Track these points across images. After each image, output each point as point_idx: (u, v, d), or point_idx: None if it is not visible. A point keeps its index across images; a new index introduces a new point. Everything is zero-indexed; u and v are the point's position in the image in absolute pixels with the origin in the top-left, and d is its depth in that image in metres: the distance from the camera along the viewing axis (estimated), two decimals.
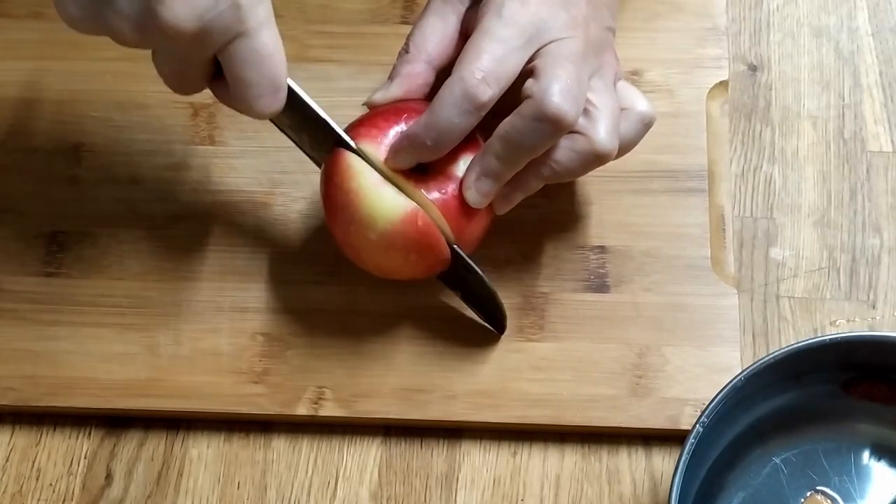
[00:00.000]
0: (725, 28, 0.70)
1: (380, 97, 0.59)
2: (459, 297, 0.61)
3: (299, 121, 0.59)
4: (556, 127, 0.55)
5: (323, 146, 0.59)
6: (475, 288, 0.60)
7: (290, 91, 0.57)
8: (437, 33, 0.59)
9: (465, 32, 0.59)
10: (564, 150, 0.56)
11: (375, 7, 0.71)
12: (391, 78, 0.59)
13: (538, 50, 0.56)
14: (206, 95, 0.68)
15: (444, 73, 0.58)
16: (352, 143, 0.57)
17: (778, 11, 0.72)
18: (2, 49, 0.70)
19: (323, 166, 0.59)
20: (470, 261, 0.58)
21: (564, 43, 0.56)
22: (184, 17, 0.50)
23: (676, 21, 0.70)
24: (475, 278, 0.59)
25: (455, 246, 0.58)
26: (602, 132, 0.56)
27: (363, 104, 0.60)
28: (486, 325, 0.61)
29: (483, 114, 0.55)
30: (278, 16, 0.70)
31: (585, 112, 0.56)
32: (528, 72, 0.56)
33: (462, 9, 0.59)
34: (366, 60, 0.69)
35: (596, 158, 0.57)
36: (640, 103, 0.59)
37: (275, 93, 0.55)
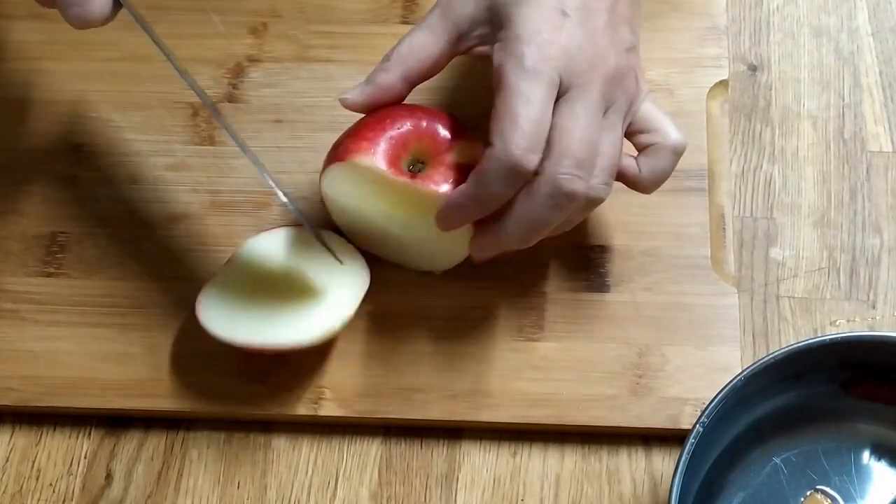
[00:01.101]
0: (725, 28, 0.70)
1: (350, 99, 0.58)
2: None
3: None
4: (571, 203, 0.55)
5: None
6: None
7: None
8: (423, 49, 0.58)
9: (454, 53, 0.58)
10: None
11: (375, 7, 0.71)
12: (367, 81, 0.59)
13: (558, 96, 0.55)
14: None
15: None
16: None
17: (778, 11, 0.72)
18: (2, 49, 0.70)
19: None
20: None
21: (581, 94, 0.55)
22: None
23: (676, 20, 0.70)
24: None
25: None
26: (596, 183, 0.55)
27: (337, 97, 0.59)
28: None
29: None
30: (278, 16, 0.71)
31: None
32: None
33: (455, 31, 0.58)
34: (366, 60, 0.68)
35: (590, 206, 0.57)
36: (671, 133, 0.58)
37: (82, 4, 0.53)
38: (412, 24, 0.70)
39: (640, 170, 0.59)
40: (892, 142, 0.67)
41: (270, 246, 0.61)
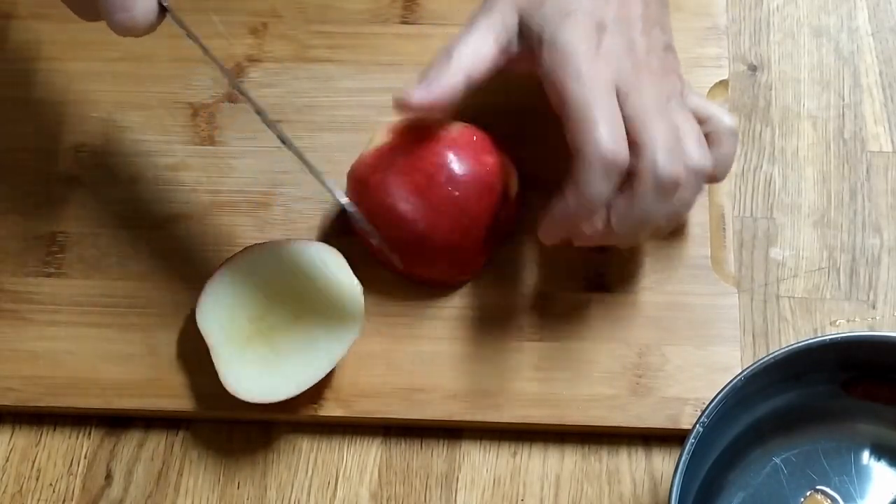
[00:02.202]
0: (725, 28, 0.70)
1: (417, 98, 0.57)
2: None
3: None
4: (675, 189, 0.55)
5: None
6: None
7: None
8: (480, 55, 0.57)
9: (505, 58, 0.58)
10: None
11: (375, 7, 0.71)
12: (427, 79, 0.57)
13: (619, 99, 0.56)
14: (207, 95, 0.69)
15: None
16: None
17: (778, 11, 0.72)
18: (2, 49, 0.70)
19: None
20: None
21: (640, 95, 0.56)
22: None
23: (676, 20, 0.69)
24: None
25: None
26: (697, 156, 0.56)
27: (395, 98, 0.57)
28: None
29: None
30: (278, 16, 0.71)
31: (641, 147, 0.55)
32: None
33: (504, 38, 0.57)
34: (366, 60, 0.69)
35: (699, 179, 0.57)
36: (724, 118, 0.60)
37: (124, 10, 0.52)
38: (412, 23, 0.70)
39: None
40: (892, 142, 0.67)
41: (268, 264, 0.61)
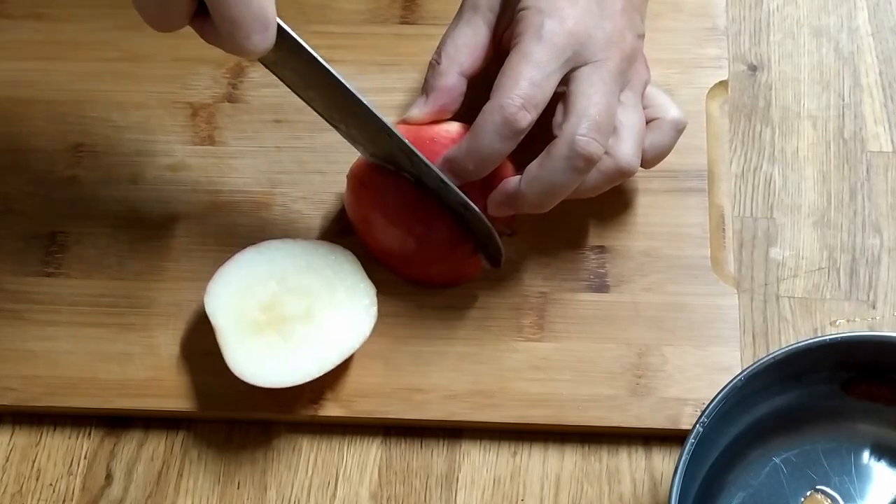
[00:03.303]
0: (725, 28, 0.70)
1: (417, 113, 0.60)
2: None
3: (298, 66, 0.57)
4: (588, 165, 0.56)
5: (335, 104, 0.58)
6: (472, 224, 0.59)
7: (287, 36, 0.55)
8: (468, 44, 0.60)
9: (496, 41, 0.60)
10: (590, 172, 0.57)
11: (375, 7, 0.71)
12: (425, 92, 0.60)
13: (573, 70, 0.57)
14: (207, 95, 0.69)
15: (476, 81, 0.59)
16: (363, 101, 0.57)
17: (778, 11, 0.72)
18: (2, 49, 0.70)
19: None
20: (465, 196, 0.57)
21: (599, 67, 0.57)
22: None
23: (676, 21, 0.70)
24: (472, 215, 0.58)
25: (449, 182, 0.57)
26: (626, 150, 0.57)
27: (399, 122, 0.60)
28: (484, 261, 0.61)
29: (522, 137, 0.56)
30: (278, 16, 0.71)
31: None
32: (559, 94, 0.57)
33: (492, 17, 0.60)
34: (366, 60, 0.69)
35: (620, 175, 0.58)
36: (672, 111, 0.61)
37: (264, 31, 0.53)
38: (412, 24, 0.70)
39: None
40: (892, 142, 0.67)
41: (278, 259, 0.61)
